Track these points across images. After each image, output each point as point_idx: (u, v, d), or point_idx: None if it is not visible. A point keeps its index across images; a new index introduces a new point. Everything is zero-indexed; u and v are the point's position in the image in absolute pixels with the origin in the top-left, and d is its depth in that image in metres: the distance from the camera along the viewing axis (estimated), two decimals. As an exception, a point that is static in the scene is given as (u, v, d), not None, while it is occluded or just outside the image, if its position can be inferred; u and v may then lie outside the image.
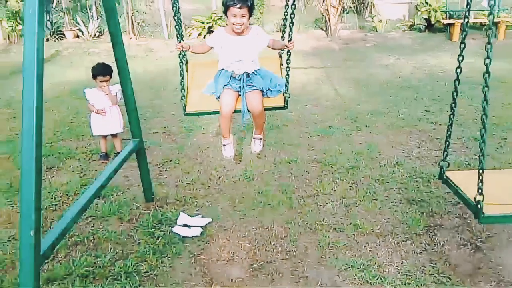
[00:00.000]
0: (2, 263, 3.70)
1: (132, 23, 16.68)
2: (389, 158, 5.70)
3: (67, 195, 4.86)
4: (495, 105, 7.55)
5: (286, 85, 4.23)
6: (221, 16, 15.84)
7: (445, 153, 3.62)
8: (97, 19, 17.54)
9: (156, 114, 7.80)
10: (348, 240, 3.98)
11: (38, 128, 2.48)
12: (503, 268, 3.58)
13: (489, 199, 2.92)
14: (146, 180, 4.66)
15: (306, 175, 5.27)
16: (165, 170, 5.49)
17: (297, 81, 9.33)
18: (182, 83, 4.20)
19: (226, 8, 3.93)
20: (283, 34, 4.37)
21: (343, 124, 7.06)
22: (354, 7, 17.76)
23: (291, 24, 4.02)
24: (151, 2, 17.37)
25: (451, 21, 15.34)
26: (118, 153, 5.56)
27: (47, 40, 15.75)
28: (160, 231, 4.13)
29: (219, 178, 5.25)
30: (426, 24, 17.01)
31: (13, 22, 16.12)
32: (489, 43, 2.82)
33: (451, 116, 3.53)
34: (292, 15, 3.97)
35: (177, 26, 4.04)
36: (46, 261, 3.50)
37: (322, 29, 17.69)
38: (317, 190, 4.91)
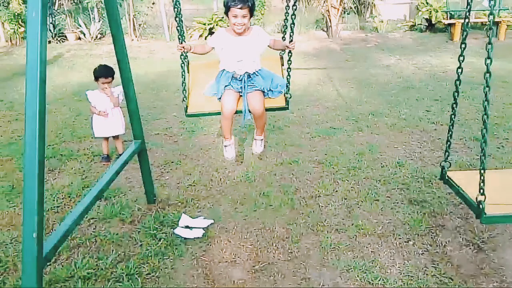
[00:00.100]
0: (4, 266, 3.70)
1: (134, 25, 16.69)
2: (390, 158, 5.69)
3: (69, 197, 4.86)
4: (496, 105, 7.56)
5: (287, 86, 4.24)
6: (222, 17, 15.85)
7: (447, 153, 3.62)
8: (99, 21, 17.57)
9: (158, 115, 7.81)
10: (350, 241, 3.98)
11: (41, 131, 2.48)
12: (506, 269, 3.58)
13: (491, 199, 2.91)
14: (147, 182, 4.66)
15: (307, 176, 5.27)
16: (167, 172, 5.49)
17: (298, 82, 9.34)
18: (184, 84, 4.21)
19: (227, 9, 3.94)
20: (284, 35, 4.37)
21: (344, 124, 7.06)
22: (355, 7, 17.74)
23: (292, 25, 4.03)
24: (153, 3, 17.39)
25: (452, 21, 15.34)
26: (120, 155, 5.58)
27: (49, 42, 15.79)
28: (162, 233, 4.13)
29: (220, 179, 5.25)
30: (427, 24, 17.02)
31: (15, 25, 16.16)
32: (489, 43, 2.83)
33: (452, 116, 3.53)
34: (293, 16, 3.98)
35: (178, 28, 4.06)
36: (48, 264, 3.49)
37: (323, 30, 17.71)
38: (318, 191, 4.90)
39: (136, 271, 3.60)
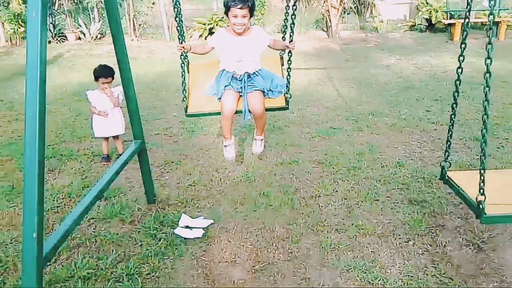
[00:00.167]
0: (4, 266, 3.70)
1: (134, 25, 16.70)
2: (390, 158, 5.70)
3: (69, 197, 4.86)
4: (496, 105, 7.57)
5: (287, 86, 4.24)
6: (222, 17, 15.86)
7: (447, 153, 3.62)
8: (99, 21, 17.58)
9: (158, 115, 7.81)
10: (350, 241, 3.98)
11: (41, 131, 2.48)
12: (506, 269, 3.58)
13: (491, 199, 2.91)
14: (147, 182, 4.66)
15: (307, 176, 5.27)
16: (167, 172, 5.49)
17: (298, 82, 9.34)
18: (184, 84, 4.21)
19: (227, 9, 3.95)
20: (284, 35, 4.38)
21: (344, 124, 7.06)
22: (354, 7, 17.75)
23: (292, 25, 4.03)
24: (153, 3, 17.39)
25: (452, 21, 15.35)
26: (120, 155, 5.58)
27: (49, 42, 15.79)
28: (162, 233, 4.13)
29: (220, 179, 5.25)
30: (427, 24, 17.02)
31: (15, 25, 16.16)
32: (489, 43, 2.83)
33: (453, 116, 3.53)
34: (293, 16, 3.98)
35: (178, 28, 4.06)
36: (48, 264, 3.49)
37: (323, 30, 17.71)
38: (318, 191, 4.90)
39: (136, 271, 3.60)
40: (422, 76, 10.34)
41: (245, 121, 4.31)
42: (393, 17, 18.48)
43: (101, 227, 4.28)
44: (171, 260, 3.74)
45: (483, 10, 15.18)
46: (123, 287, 3.44)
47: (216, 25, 16.22)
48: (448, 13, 15.63)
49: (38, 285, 2.49)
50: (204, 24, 16.51)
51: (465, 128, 6.65)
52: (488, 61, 2.86)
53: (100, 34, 17.48)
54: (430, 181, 5.04)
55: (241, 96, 4.20)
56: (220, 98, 4.21)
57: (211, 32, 16.14)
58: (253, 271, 3.62)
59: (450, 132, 3.59)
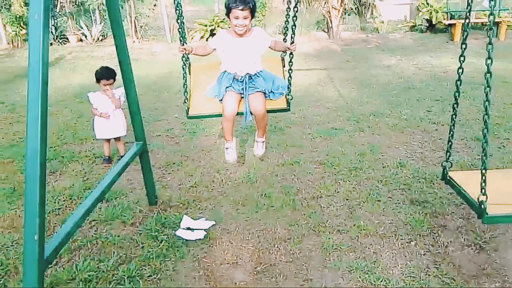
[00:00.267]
0: (5, 268, 3.70)
1: (135, 27, 16.72)
2: (392, 159, 5.69)
3: (70, 199, 4.86)
4: (497, 105, 7.56)
5: (288, 87, 4.24)
6: (224, 19, 15.86)
7: (448, 153, 3.62)
8: (100, 23, 17.60)
9: (159, 117, 7.81)
10: (351, 242, 3.97)
11: (42, 133, 2.48)
12: (508, 269, 3.58)
13: (492, 199, 2.91)
14: (149, 183, 4.66)
15: (309, 177, 5.27)
16: (168, 173, 5.49)
17: (300, 83, 9.34)
18: (185, 86, 4.21)
19: (228, 10, 3.95)
20: (285, 37, 4.38)
21: (345, 125, 7.06)
22: (355, 8, 17.74)
23: (293, 27, 4.03)
24: (154, 5, 17.41)
25: (452, 21, 15.36)
26: (122, 156, 5.58)
27: (51, 44, 15.82)
28: (164, 235, 4.12)
29: (222, 180, 5.25)
30: (427, 24, 17.03)
31: (17, 27, 16.19)
32: (490, 43, 2.83)
33: (453, 116, 3.53)
34: (295, 18, 3.98)
35: (180, 29, 4.06)
36: (49, 266, 3.49)
37: (324, 31, 17.72)
38: (320, 191, 4.90)
39: (138, 273, 3.59)
40: (423, 77, 10.33)
41: (246, 122, 4.31)
42: (393, 17, 18.47)
43: (102, 229, 4.28)
44: (173, 262, 3.74)
45: (483, 11, 15.21)
46: (125, 289, 3.44)
47: (218, 26, 16.23)
48: (448, 13, 15.65)
49: (40, 288, 2.49)
50: (206, 26, 16.52)
51: (466, 128, 6.65)
52: (489, 61, 2.87)
53: (102, 36, 17.51)
54: (432, 181, 5.03)
55: (242, 97, 4.20)
56: (221, 100, 4.21)
57: (212, 34, 16.16)
58: (255, 272, 3.62)
59: (451, 132, 3.59)
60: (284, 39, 4.42)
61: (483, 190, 2.91)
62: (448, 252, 3.81)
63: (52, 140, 6.54)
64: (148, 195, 4.70)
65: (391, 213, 4.44)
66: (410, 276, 3.51)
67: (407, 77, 10.31)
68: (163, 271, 3.63)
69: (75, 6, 18.35)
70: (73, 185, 5.17)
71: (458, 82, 3.38)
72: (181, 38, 4.09)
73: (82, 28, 17.19)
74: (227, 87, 4.14)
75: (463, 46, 3.26)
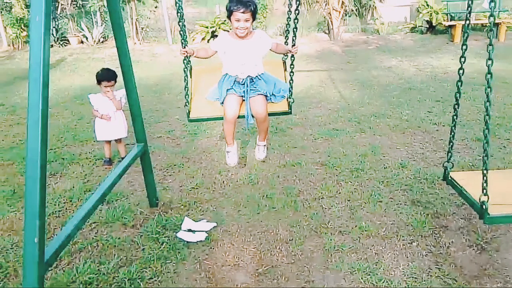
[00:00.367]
0: (5, 271, 3.68)
1: (136, 28, 16.74)
2: (393, 159, 5.68)
3: (70, 201, 4.85)
4: (497, 105, 7.56)
5: (290, 90, 4.24)
6: (225, 21, 15.87)
7: (449, 154, 3.62)
8: (101, 25, 17.62)
9: (160, 118, 7.81)
10: (353, 243, 3.97)
11: (43, 135, 2.48)
12: (509, 269, 3.56)
13: (493, 200, 2.91)
14: (150, 185, 4.65)
15: (310, 178, 5.26)
16: (169, 175, 5.48)
17: (301, 84, 9.34)
18: (186, 89, 4.21)
19: (229, 13, 3.95)
20: (287, 40, 4.38)
21: (347, 126, 7.06)
22: (356, 10, 17.73)
23: (294, 29, 4.03)
24: (155, 7, 17.42)
25: (452, 22, 15.36)
26: (122, 158, 5.57)
27: (52, 46, 15.75)
28: (164, 237, 4.11)
29: (223, 182, 5.24)
30: (427, 26, 17.01)
31: (18, 29, 16.21)
32: (490, 44, 2.83)
33: (454, 117, 3.53)
34: (296, 20, 3.98)
35: (181, 32, 4.06)
36: (49, 269, 3.48)
37: (325, 32, 17.72)
38: (321, 192, 4.89)
39: (139, 276, 3.58)
40: (424, 78, 10.33)
41: (248, 126, 4.31)
42: (394, 19, 18.46)
43: (103, 231, 4.27)
44: (174, 264, 3.73)
45: (483, 12, 15.23)
46: (126, 291, 3.44)
47: (219, 28, 16.24)
48: (448, 15, 15.65)
49: (39, 291, 2.48)
50: (207, 27, 16.52)
51: (466, 128, 6.64)
52: (489, 62, 2.86)
53: (103, 38, 17.52)
54: (433, 182, 5.03)
55: (243, 100, 4.20)
56: (222, 103, 4.21)
57: (213, 35, 16.18)
58: (257, 274, 3.61)
59: (452, 133, 3.58)
60: (285, 42, 4.42)
61: (484, 191, 2.91)
62: (450, 252, 3.80)
63: (52, 142, 6.55)
64: (149, 197, 4.69)
65: (392, 214, 4.43)
66: (412, 277, 3.51)
67: (407, 78, 10.30)
68: (164, 273, 3.62)
69: (76, 8, 18.38)
70: (73, 187, 5.16)
71: (459, 83, 3.38)
72: (182, 41, 4.09)
73: (83, 30, 17.22)
74: (228, 90, 4.14)
75: (464, 47, 3.25)
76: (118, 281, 3.54)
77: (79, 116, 8.00)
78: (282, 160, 5.77)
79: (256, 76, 4.18)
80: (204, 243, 4.02)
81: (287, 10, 4.14)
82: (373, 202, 4.64)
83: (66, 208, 4.71)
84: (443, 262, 3.67)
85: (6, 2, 17.04)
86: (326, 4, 16.79)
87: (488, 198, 2.90)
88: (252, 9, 3.91)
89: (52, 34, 16.39)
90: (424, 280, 3.47)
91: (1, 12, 17.24)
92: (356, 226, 4.22)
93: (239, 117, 4.21)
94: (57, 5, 17.31)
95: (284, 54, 4.48)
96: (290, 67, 4.19)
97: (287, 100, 4.28)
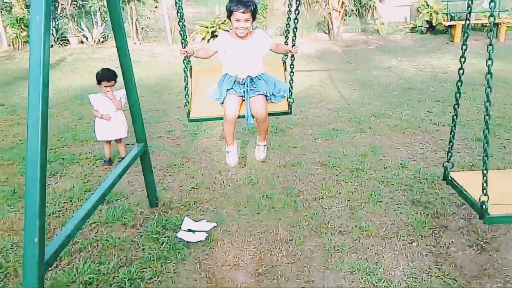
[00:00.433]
0: (4, 271, 3.68)
1: (136, 28, 16.74)
2: (393, 159, 5.68)
3: (70, 201, 4.85)
4: (497, 105, 7.56)
5: (290, 90, 4.24)
6: (225, 21, 15.87)
7: (449, 154, 3.62)
8: (101, 25, 17.62)
9: (160, 118, 7.81)
10: (353, 243, 3.96)
11: (43, 135, 2.47)
12: (509, 269, 3.56)
13: (493, 200, 2.91)
14: (150, 185, 4.65)
15: (310, 178, 5.26)
16: (169, 175, 5.48)
17: (301, 84, 9.33)
18: (186, 88, 4.21)
19: (229, 13, 3.96)
20: (287, 40, 4.38)
21: (347, 126, 7.06)
22: (356, 10, 17.74)
23: (294, 29, 4.03)
24: (155, 7, 17.43)
25: (452, 22, 15.36)
26: (122, 158, 5.57)
27: (52, 46, 15.75)
28: (164, 237, 4.11)
29: (223, 182, 5.24)
30: (427, 26, 17.01)
31: (18, 29, 16.22)
32: (490, 44, 2.83)
33: (454, 117, 3.53)
34: (296, 20, 3.98)
35: (181, 32, 4.06)
36: (49, 269, 3.47)
37: (325, 32, 17.73)
38: (321, 192, 4.89)
39: (139, 276, 3.58)
40: (423, 78, 10.33)
41: (248, 126, 4.31)
42: (394, 19, 18.47)
43: (103, 231, 4.27)
44: (174, 264, 3.73)
45: (483, 12, 15.24)
46: (126, 291, 3.43)
47: (219, 28, 16.25)
48: (448, 15, 15.64)
49: (39, 291, 2.48)
50: (207, 27, 16.52)
51: (466, 128, 6.64)
52: (490, 62, 2.86)
53: (103, 38, 17.53)
54: (433, 182, 5.02)
55: (243, 100, 4.20)
56: (222, 103, 4.21)
57: (213, 35, 16.18)
58: (257, 274, 3.61)
59: (452, 133, 3.58)
60: (285, 42, 4.42)
61: (484, 191, 2.91)
62: (450, 252, 3.80)
63: (52, 142, 6.54)
64: (149, 197, 4.69)
65: (392, 214, 4.43)
66: (412, 277, 3.51)
67: (407, 78, 10.30)
68: (164, 273, 3.62)
69: (76, 8, 18.39)
70: (73, 187, 5.16)
71: (459, 83, 3.38)
72: (182, 41, 4.09)
73: (83, 30, 17.22)
74: (228, 90, 4.14)
75: (464, 47, 3.25)
76: (118, 281, 3.54)
77: (79, 116, 8.00)
78: (282, 160, 5.77)
79: (256, 76, 4.18)
80: (204, 243, 4.02)
81: (287, 11, 4.14)
82: (373, 202, 4.64)
83: (66, 208, 4.71)
84: (443, 262, 3.67)
85: (6, 2, 17.04)
86: (326, 4, 16.79)
87: (488, 198, 2.90)
88: (252, 9, 3.91)
89: (52, 34, 16.39)
90: (424, 280, 3.47)
91: (1, 12, 17.24)
92: (356, 226, 4.22)
93: (239, 117, 4.21)
94: (57, 5, 17.31)
95: (284, 54, 4.48)
96: (290, 67, 4.19)
97: (287, 100, 4.28)
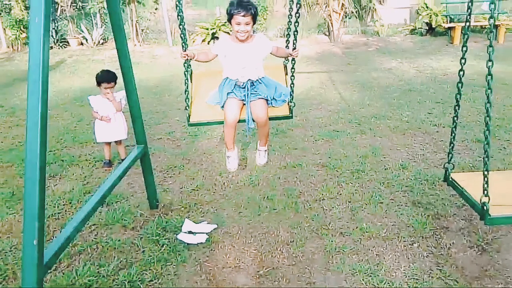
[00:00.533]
0: (3, 274, 3.66)
1: (137, 30, 16.75)
2: (394, 161, 5.68)
3: (70, 203, 4.84)
4: (497, 106, 7.56)
5: (291, 94, 4.23)
6: (225, 23, 15.89)
7: (450, 155, 3.61)
8: (101, 27, 17.63)
9: (160, 120, 7.80)
10: (354, 245, 3.95)
11: (42, 136, 2.46)
12: (510, 270, 3.55)
13: (494, 201, 2.90)
14: (150, 187, 4.64)
15: (311, 179, 5.25)
16: (170, 177, 5.47)
17: (301, 86, 9.34)
18: (187, 92, 4.21)
19: (230, 16, 3.96)
20: (287, 44, 4.38)
21: (347, 127, 7.05)
22: (356, 12, 17.76)
23: (295, 32, 4.02)
24: (155, 9, 17.44)
25: (451, 24, 15.35)
26: (122, 160, 5.56)
27: (51, 48, 15.83)
28: (165, 239, 4.10)
29: (224, 183, 5.23)
30: (427, 28, 17.04)
31: (17, 31, 16.23)
32: (490, 45, 2.82)
33: (455, 118, 3.53)
34: (296, 23, 3.98)
35: (182, 35, 4.06)
36: (48, 271, 3.46)
37: (325, 34, 17.74)
38: (322, 194, 4.88)
39: (139, 278, 3.57)
40: (423, 79, 10.33)
41: (248, 131, 4.31)
42: (394, 21, 18.51)
43: (102, 233, 4.25)
44: (174, 266, 3.72)
45: (482, 14, 15.26)
46: (126, 293, 3.42)
47: (219, 30, 16.27)
48: (448, 17, 15.65)
49: (39, 293, 2.47)
50: (207, 29, 16.54)
51: (466, 130, 6.63)
52: (490, 63, 2.86)
53: (103, 39, 17.54)
54: (434, 183, 5.02)
55: (244, 104, 4.19)
56: (223, 107, 4.20)
57: (214, 37, 16.18)
58: (257, 276, 3.59)
59: (453, 134, 3.58)
60: (286, 46, 4.42)
61: (485, 192, 2.90)
62: (451, 253, 3.79)
63: (51, 143, 6.53)
64: (149, 199, 4.68)
65: (393, 215, 4.42)
66: (413, 278, 3.50)
67: (407, 80, 10.30)
68: (164, 276, 3.61)
69: (76, 9, 18.40)
70: (73, 189, 5.15)
71: (459, 84, 3.38)
72: (183, 44, 4.09)
73: (82, 31, 17.23)
74: (228, 94, 4.14)
75: (464, 48, 3.26)
76: (118, 283, 3.52)
77: (78, 117, 7.99)
78: (283, 162, 5.77)
79: (257, 80, 4.18)
80: (204, 245, 4.00)
81: (288, 14, 4.14)
82: (374, 204, 4.63)
83: (65, 210, 4.70)
84: (444, 263, 3.66)
85: (6, 4, 17.06)
86: (326, 6, 16.81)
87: (489, 199, 2.89)
88: (253, 12, 3.91)
89: (52, 36, 16.41)
90: (425, 281, 3.46)
91: (1, 14, 17.26)
92: (357, 228, 4.21)
93: (239, 121, 4.21)
94: (56, 6, 17.33)
95: (285, 58, 4.48)
96: (291, 71, 4.18)
97: (288, 104, 4.27)
